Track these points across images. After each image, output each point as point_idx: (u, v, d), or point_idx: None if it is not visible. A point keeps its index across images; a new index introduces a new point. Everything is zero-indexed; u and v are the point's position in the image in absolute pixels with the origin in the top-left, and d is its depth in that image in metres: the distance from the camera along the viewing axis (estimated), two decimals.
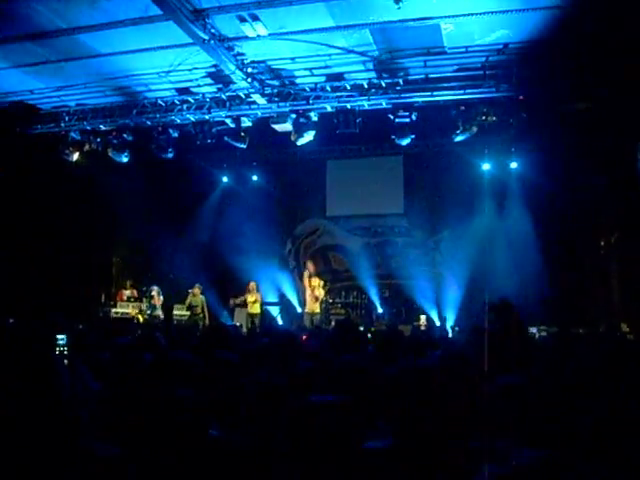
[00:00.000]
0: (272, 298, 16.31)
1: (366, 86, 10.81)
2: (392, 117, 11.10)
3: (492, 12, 8.24)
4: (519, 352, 4.07)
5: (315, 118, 11.43)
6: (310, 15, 8.55)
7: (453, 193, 14.75)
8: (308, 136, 11.48)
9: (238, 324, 13.23)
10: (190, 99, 11.74)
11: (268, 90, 11.02)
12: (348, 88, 10.92)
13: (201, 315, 14.32)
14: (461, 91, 10.38)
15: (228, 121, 12.00)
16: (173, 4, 7.92)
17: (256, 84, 10.63)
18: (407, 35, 9.11)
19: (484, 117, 10.68)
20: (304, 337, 7.30)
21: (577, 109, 10.69)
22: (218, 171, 16.45)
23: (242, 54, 9.73)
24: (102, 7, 8.44)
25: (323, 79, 10.86)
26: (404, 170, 16.25)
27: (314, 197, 17.03)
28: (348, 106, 11.16)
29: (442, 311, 14.82)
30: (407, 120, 11.05)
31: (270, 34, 8.97)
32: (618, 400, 2.49)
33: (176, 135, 12.37)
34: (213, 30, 8.74)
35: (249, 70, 10.16)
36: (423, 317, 14.27)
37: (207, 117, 11.87)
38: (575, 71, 9.78)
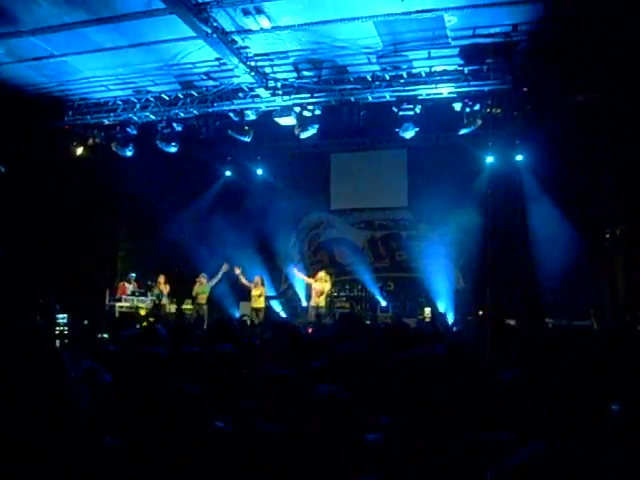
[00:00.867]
0: (276, 292, 16.35)
1: (370, 79, 10.79)
2: (396, 110, 11.09)
3: (495, 4, 8.20)
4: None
5: (319, 111, 11.42)
6: (313, 7, 8.53)
7: (457, 186, 14.71)
8: (312, 129, 11.48)
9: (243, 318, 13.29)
10: (194, 92, 11.74)
11: (272, 83, 11.02)
12: (352, 81, 10.90)
13: (205, 306, 14.38)
14: (465, 83, 10.35)
15: (232, 115, 11.99)
16: None
17: (259, 77, 10.62)
18: (411, 27, 9.08)
19: (488, 110, 10.66)
20: (309, 330, 7.33)
21: (582, 100, 10.64)
22: (222, 164, 16.44)
23: (246, 47, 9.71)
24: (106, 1, 8.44)
25: (327, 72, 10.84)
26: (408, 163, 16.22)
27: (318, 190, 17.01)
28: (352, 99, 11.15)
29: (446, 304, 14.83)
30: (411, 113, 11.03)
31: (273, 27, 8.96)
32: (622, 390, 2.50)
33: (180, 129, 12.37)
34: (216, 23, 8.72)
35: (252, 64, 10.15)
36: (428, 310, 14.27)
37: (211, 110, 11.87)
38: (580, 62, 9.76)
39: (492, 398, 2.53)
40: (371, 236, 16.92)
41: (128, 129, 12.56)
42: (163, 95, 11.95)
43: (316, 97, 11.09)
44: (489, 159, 14.43)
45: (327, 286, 13.73)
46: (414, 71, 10.63)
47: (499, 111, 10.61)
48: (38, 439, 1.72)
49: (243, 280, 14.63)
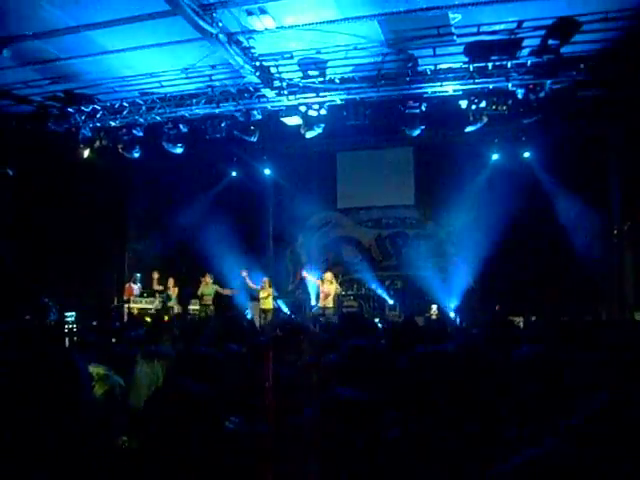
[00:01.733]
0: (284, 292, 16.36)
1: (375, 77, 10.77)
2: (402, 108, 11.08)
3: (500, 0, 8.17)
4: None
5: (324, 111, 11.41)
6: (317, 7, 8.53)
7: (464, 184, 14.68)
8: (318, 129, 11.48)
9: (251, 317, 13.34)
10: (199, 93, 11.75)
11: (277, 83, 11.02)
12: (357, 80, 10.89)
13: (211, 306, 14.43)
14: (470, 81, 10.34)
15: (238, 115, 12.00)
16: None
17: (265, 77, 10.62)
18: (415, 25, 9.06)
19: (494, 107, 10.63)
20: (317, 328, 7.34)
21: (589, 97, 10.61)
22: (228, 165, 16.48)
23: (251, 48, 9.71)
24: (110, 4, 8.46)
25: (332, 71, 10.83)
26: (415, 161, 16.24)
27: (325, 189, 17.02)
28: (357, 98, 11.14)
29: (454, 302, 14.82)
30: (417, 111, 11.03)
31: (278, 27, 8.95)
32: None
33: (186, 130, 12.39)
34: (221, 24, 8.72)
35: (257, 64, 10.16)
36: (434, 307, 14.28)
37: (217, 111, 11.89)
38: (586, 59, 9.74)
39: (502, 395, 2.53)
40: (378, 235, 16.93)
41: (134, 131, 12.59)
42: (169, 96, 11.97)
43: (321, 96, 11.09)
44: (495, 156, 14.44)
45: (333, 287, 13.79)
46: (419, 69, 10.59)
47: (505, 108, 10.58)
48: (50, 438, 1.74)
49: (249, 283, 14.69)
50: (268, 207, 17.00)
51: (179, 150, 12.53)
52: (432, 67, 10.53)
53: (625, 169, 12.43)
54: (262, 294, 14.37)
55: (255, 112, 11.91)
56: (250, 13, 8.57)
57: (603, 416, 1.60)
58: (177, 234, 15.45)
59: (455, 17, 8.74)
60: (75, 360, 1.95)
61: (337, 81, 10.95)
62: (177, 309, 14.62)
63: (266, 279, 14.55)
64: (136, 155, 12.89)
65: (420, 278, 15.64)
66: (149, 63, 10.61)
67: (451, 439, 2.02)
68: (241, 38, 9.38)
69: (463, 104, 10.92)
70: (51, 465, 1.70)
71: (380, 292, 15.79)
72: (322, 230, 17.45)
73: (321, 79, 10.87)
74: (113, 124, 12.62)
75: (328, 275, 13.94)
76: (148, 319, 12.70)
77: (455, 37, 9.47)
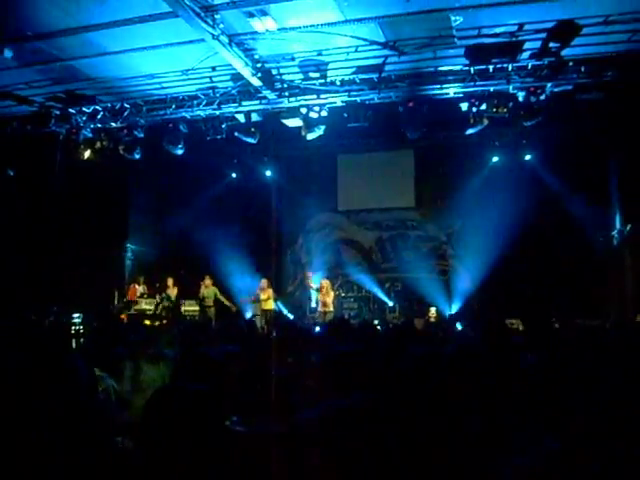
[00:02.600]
0: (284, 293, 16.37)
1: (376, 80, 10.78)
2: (402, 110, 11.08)
3: (501, 4, 8.19)
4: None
5: (325, 112, 11.42)
6: (319, 9, 8.54)
7: (464, 186, 14.70)
8: (318, 131, 11.49)
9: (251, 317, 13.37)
10: (200, 95, 11.77)
11: (278, 85, 11.03)
12: (358, 82, 10.90)
13: (212, 308, 14.41)
14: (471, 83, 10.35)
15: (238, 116, 12.01)
16: (182, 1, 7.92)
17: (266, 79, 10.62)
18: (416, 28, 9.07)
19: (495, 109, 10.64)
20: (317, 329, 7.34)
21: (590, 99, 10.61)
22: (228, 166, 16.49)
23: (252, 49, 9.72)
24: (111, 5, 8.47)
25: (332, 73, 10.83)
26: (415, 163, 16.25)
27: (325, 191, 17.04)
28: (358, 100, 11.15)
29: (454, 304, 14.83)
30: (418, 113, 11.02)
31: (279, 29, 8.97)
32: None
33: (186, 131, 12.40)
34: (222, 26, 8.73)
35: (259, 65, 10.17)
36: (433, 309, 14.30)
37: (217, 113, 11.90)
38: (587, 61, 9.75)
39: (505, 396, 2.54)
40: (378, 237, 16.94)
41: (135, 132, 12.59)
42: (170, 98, 11.98)
43: (322, 98, 11.10)
44: (495, 159, 14.45)
45: (330, 295, 13.82)
46: (420, 71, 10.62)
47: (505, 111, 10.58)
48: (51, 439, 1.74)
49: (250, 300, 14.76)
50: (268, 209, 17.02)
51: (180, 151, 12.53)
52: (433, 69, 10.54)
53: (626, 171, 12.43)
54: (262, 296, 14.36)
55: (256, 114, 11.92)
56: (251, 15, 8.58)
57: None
58: (177, 235, 15.46)
59: (456, 20, 8.75)
60: (73, 359, 1.96)
61: (338, 83, 10.96)
62: (176, 309, 14.56)
63: (265, 280, 14.52)
64: (137, 156, 12.89)
65: (420, 280, 15.64)
66: (150, 64, 10.62)
67: (447, 441, 2.02)
68: (242, 40, 9.39)
69: (464, 107, 10.93)
70: (50, 463, 1.71)
71: (380, 294, 15.80)
72: (322, 232, 17.46)
73: (322, 81, 10.88)
74: (114, 125, 12.62)
75: (324, 284, 13.95)
76: (148, 322, 12.74)
77: (456, 39, 9.48)
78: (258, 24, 8.76)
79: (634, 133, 11.36)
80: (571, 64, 9.81)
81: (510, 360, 3.31)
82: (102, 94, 12.01)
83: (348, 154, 16.53)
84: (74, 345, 5.81)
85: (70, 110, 12.30)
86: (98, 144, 12.76)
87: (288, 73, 10.86)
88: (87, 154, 12.82)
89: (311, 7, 8.47)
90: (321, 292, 13.80)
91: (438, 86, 10.58)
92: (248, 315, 14.66)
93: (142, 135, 12.64)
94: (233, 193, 16.58)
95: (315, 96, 11.09)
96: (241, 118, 12.02)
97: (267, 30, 8.91)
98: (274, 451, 2.11)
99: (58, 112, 12.27)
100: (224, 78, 11.18)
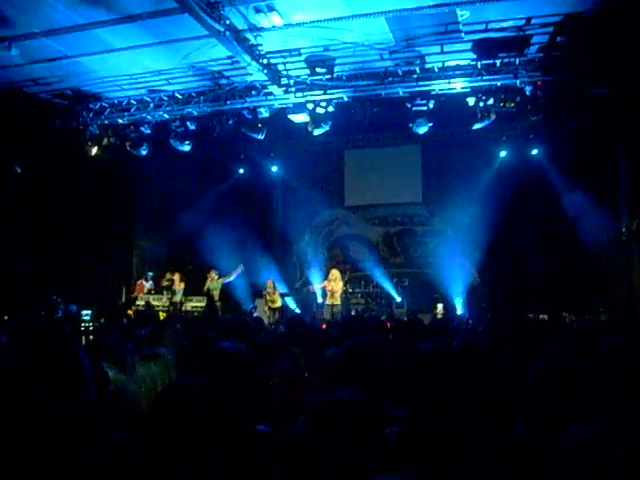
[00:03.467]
0: (291, 289, 16.36)
1: (382, 75, 10.75)
2: (409, 105, 11.05)
3: None
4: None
5: (332, 108, 11.40)
6: (325, 4, 8.52)
7: (472, 181, 14.65)
8: (325, 126, 11.47)
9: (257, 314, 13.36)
10: (207, 91, 11.77)
11: (284, 81, 11.01)
12: (364, 77, 10.87)
13: (218, 302, 14.41)
14: (478, 78, 10.30)
15: (245, 112, 12.00)
16: None
17: (272, 75, 10.61)
18: (423, 22, 9.04)
19: (502, 104, 10.59)
20: (323, 326, 7.35)
21: (598, 94, 10.55)
22: (235, 162, 16.48)
23: (258, 45, 9.71)
24: (117, 2, 8.48)
25: (339, 68, 10.81)
26: (422, 158, 16.20)
27: (332, 187, 17.03)
28: (365, 95, 11.12)
29: (461, 300, 14.80)
30: (424, 108, 10.99)
31: (286, 24, 8.95)
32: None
33: (193, 127, 12.41)
34: (228, 22, 8.72)
35: (265, 61, 10.15)
36: (440, 305, 14.27)
37: (224, 109, 11.89)
38: (595, 56, 9.67)
39: (510, 392, 2.53)
40: (385, 232, 16.91)
41: (142, 128, 12.62)
42: (176, 94, 11.99)
43: (329, 94, 11.07)
44: (502, 153, 14.40)
45: (339, 284, 13.70)
46: (427, 66, 10.58)
47: (513, 105, 10.53)
48: (51, 434, 1.75)
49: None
50: (275, 204, 17.02)
51: (186, 147, 12.55)
52: (440, 64, 10.50)
53: (634, 167, 12.35)
54: (268, 297, 14.34)
55: (262, 109, 11.90)
56: (258, 10, 8.58)
57: None
58: (184, 231, 15.48)
59: (463, 14, 8.71)
60: (77, 354, 1.96)
61: (345, 78, 10.93)
62: (185, 306, 14.58)
63: (270, 281, 14.49)
64: (144, 152, 12.92)
65: (427, 275, 15.63)
66: (156, 61, 10.63)
67: (453, 434, 2.02)
68: (248, 35, 9.38)
69: (471, 101, 10.88)
70: (50, 457, 1.71)
71: (388, 289, 15.78)
72: (329, 228, 17.44)
73: (329, 76, 10.83)
74: (121, 121, 12.66)
75: (334, 272, 13.86)
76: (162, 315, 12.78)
77: (463, 34, 9.45)
78: (264, 20, 8.75)
79: None
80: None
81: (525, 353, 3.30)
82: (109, 90, 12.03)
83: (355, 149, 16.48)
84: (84, 342, 5.81)
85: (76, 107, 12.33)
86: (105, 140, 12.79)
87: (294, 69, 10.84)
88: (94, 151, 12.85)
89: (317, 2, 8.45)
90: (330, 280, 13.67)
91: (445, 81, 10.54)
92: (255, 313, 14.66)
93: (149, 131, 12.67)
94: (240, 189, 16.57)
95: (322, 91, 11.06)
96: (247, 114, 12.01)
97: (274, 26, 8.90)
98: (286, 450, 2.11)
99: (64, 109, 12.31)
100: (230, 74, 11.17)
